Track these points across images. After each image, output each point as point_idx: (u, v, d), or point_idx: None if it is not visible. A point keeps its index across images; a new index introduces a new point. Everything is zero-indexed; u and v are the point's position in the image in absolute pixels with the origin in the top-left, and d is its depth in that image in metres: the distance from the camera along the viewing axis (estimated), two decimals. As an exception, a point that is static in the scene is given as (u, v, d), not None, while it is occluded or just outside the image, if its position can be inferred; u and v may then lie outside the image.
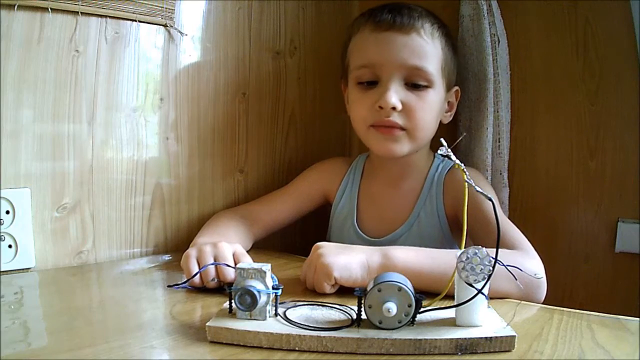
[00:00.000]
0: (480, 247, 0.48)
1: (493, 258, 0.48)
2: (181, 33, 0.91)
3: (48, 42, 0.76)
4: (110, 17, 0.82)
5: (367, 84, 0.84)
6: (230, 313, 0.52)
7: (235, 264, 0.65)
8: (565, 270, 0.97)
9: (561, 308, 0.61)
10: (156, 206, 0.91)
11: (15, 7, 0.72)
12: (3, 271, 0.73)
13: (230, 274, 0.64)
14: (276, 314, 0.52)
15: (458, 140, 0.97)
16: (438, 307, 0.52)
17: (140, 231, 0.89)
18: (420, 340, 0.47)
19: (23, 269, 0.75)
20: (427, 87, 0.82)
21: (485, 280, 0.48)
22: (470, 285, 0.48)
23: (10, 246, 0.74)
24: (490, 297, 0.52)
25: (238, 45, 1.00)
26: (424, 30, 0.81)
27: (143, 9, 0.85)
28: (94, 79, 0.81)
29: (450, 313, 0.51)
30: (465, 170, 0.51)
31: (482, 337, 0.47)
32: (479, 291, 0.48)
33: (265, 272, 0.51)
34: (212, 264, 0.65)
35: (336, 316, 0.53)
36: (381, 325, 0.48)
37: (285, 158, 1.11)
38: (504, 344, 0.47)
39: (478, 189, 0.48)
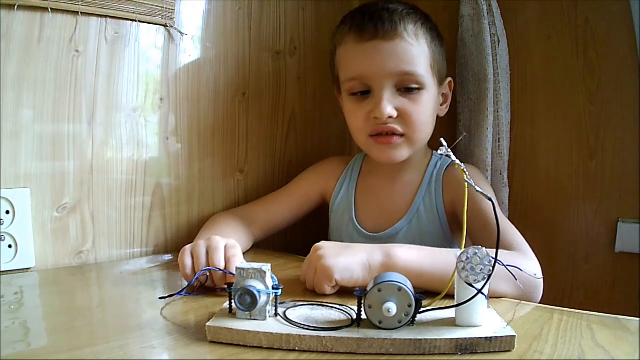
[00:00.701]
0: (480, 247, 0.48)
1: (493, 258, 0.48)
2: (181, 33, 0.91)
3: (48, 42, 0.76)
4: (110, 17, 0.82)
5: (361, 94, 0.84)
6: (230, 313, 0.52)
7: (226, 256, 0.65)
8: (565, 270, 0.97)
9: (561, 308, 0.61)
10: (156, 206, 0.91)
11: (15, 7, 0.72)
12: (3, 271, 0.73)
13: (219, 278, 0.65)
14: (276, 314, 0.52)
15: (458, 140, 0.98)
16: (438, 307, 0.52)
17: (140, 231, 0.89)
18: (420, 340, 0.47)
19: (23, 269, 0.75)
20: (419, 89, 0.82)
21: (485, 280, 0.48)
22: (470, 285, 0.48)
23: (10, 246, 0.74)
24: (489, 297, 0.52)
25: (238, 45, 1.00)
26: (407, 33, 0.80)
27: (143, 9, 0.85)
28: (94, 79, 0.81)
29: (450, 313, 0.51)
30: (465, 170, 0.51)
31: (482, 337, 0.47)
32: (479, 291, 0.48)
33: (265, 272, 0.51)
34: (205, 269, 0.64)
35: (336, 316, 0.53)
36: (381, 325, 0.48)
37: (285, 158, 1.11)
38: (504, 344, 0.47)
39: (478, 189, 0.48)
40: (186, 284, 0.66)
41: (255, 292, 0.49)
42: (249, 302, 0.50)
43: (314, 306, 0.56)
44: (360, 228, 0.91)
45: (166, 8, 0.88)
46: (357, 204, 0.93)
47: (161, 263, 0.85)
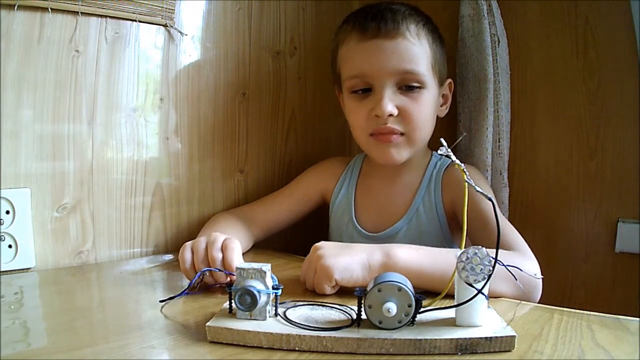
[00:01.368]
0: (480, 247, 0.48)
1: (493, 258, 0.48)
2: (181, 33, 0.91)
3: (48, 42, 0.76)
4: (110, 17, 0.82)
5: (361, 92, 0.84)
6: (230, 313, 0.52)
7: (223, 251, 0.65)
8: (565, 270, 0.97)
9: (561, 308, 0.61)
10: (156, 206, 0.91)
11: (15, 7, 0.72)
12: (3, 271, 0.73)
13: (220, 277, 0.65)
14: (276, 314, 0.52)
15: (458, 140, 0.98)
16: (438, 307, 0.52)
17: (141, 231, 0.89)
18: (420, 340, 0.47)
19: (23, 269, 0.75)
20: (420, 88, 0.82)
21: (485, 280, 0.48)
22: (470, 285, 0.48)
23: (10, 246, 0.74)
24: (489, 297, 0.52)
25: (238, 45, 1.00)
26: (409, 33, 0.81)
27: (143, 9, 0.85)
28: (94, 79, 0.81)
29: (450, 313, 0.51)
30: (465, 170, 0.51)
31: (482, 337, 0.47)
32: (479, 291, 0.48)
33: (265, 272, 0.51)
34: (205, 270, 0.65)
35: (336, 316, 0.53)
36: (381, 325, 0.48)
37: (285, 158, 1.11)
38: (504, 344, 0.47)
39: (478, 189, 0.48)
40: (186, 283, 0.66)
41: (255, 292, 0.49)
42: (249, 302, 0.50)
43: (314, 306, 0.56)
44: (360, 228, 0.91)
45: (166, 8, 0.88)
46: (356, 204, 0.93)
47: (161, 263, 0.85)
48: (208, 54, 0.96)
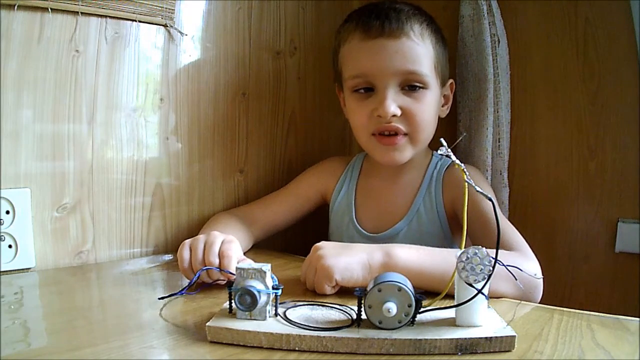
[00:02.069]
0: (480, 247, 0.48)
1: (493, 258, 0.48)
2: (181, 33, 0.91)
3: (48, 42, 0.76)
4: (110, 17, 0.82)
5: (364, 91, 0.84)
6: (230, 313, 0.52)
7: (220, 253, 0.65)
8: (565, 270, 0.97)
9: (561, 308, 0.61)
10: (156, 206, 0.91)
11: (15, 7, 0.72)
12: (3, 271, 0.73)
13: (215, 273, 0.65)
14: (276, 314, 0.52)
15: (458, 140, 0.98)
16: (438, 307, 0.52)
17: (140, 231, 0.89)
18: (420, 340, 0.47)
19: (23, 269, 0.75)
20: (423, 88, 0.82)
21: (485, 280, 0.48)
22: (470, 285, 0.48)
23: (10, 246, 0.74)
24: (489, 297, 0.52)
25: (238, 45, 1.00)
26: (413, 33, 0.80)
27: (143, 9, 0.85)
28: (94, 79, 0.81)
29: (450, 313, 0.51)
30: (465, 170, 0.51)
31: (482, 337, 0.47)
32: (479, 291, 0.48)
33: (265, 272, 0.51)
34: (205, 269, 0.64)
35: (336, 316, 0.53)
36: (381, 325, 0.48)
37: (285, 158, 1.11)
38: (504, 344, 0.47)
39: (478, 189, 0.48)
40: (186, 283, 0.66)
41: (255, 292, 0.49)
42: (249, 302, 0.50)
43: (314, 306, 0.56)
44: (360, 228, 0.91)
45: (166, 8, 0.88)
46: (357, 204, 0.93)
47: (161, 263, 0.85)
48: (208, 54, 0.96)
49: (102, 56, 0.82)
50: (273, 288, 0.52)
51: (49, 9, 0.75)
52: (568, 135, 0.97)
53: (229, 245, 0.66)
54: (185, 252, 0.67)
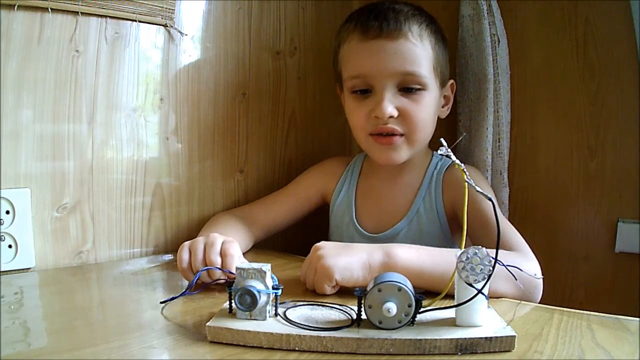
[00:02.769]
0: (480, 247, 0.48)
1: (493, 258, 0.48)
2: (181, 33, 0.91)
3: (48, 42, 0.76)
4: (110, 17, 0.82)
5: (362, 92, 0.84)
6: (230, 313, 0.52)
7: (222, 252, 0.65)
8: (565, 270, 0.97)
9: (561, 308, 0.61)
10: (156, 206, 0.91)
11: (15, 7, 0.72)
12: (3, 271, 0.73)
13: (216, 273, 0.65)
14: (276, 314, 0.52)
15: (458, 140, 0.98)
16: (438, 307, 0.52)
17: (140, 231, 0.89)
18: (420, 340, 0.47)
19: (23, 269, 0.75)
20: (421, 89, 0.82)
21: (485, 280, 0.48)
22: (470, 285, 0.48)
23: (10, 246, 0.74)
24: (489, 297, 0.52)
25: (238, 45, 1.00)
26: (412, 34, 0.80)
27: (143, 9, 0.85)
28: (94, 79, 0.81)
29: (450, 313, 0.51)
30: (465, 170, 0.51)
31: (482, 337, 0.47)
32: (479, 291, 0.48)
33: (265, 272, 0.51)
34: (204, 269, 0.65)
35: (336, 316, 0.53)
36: (381, 325, 0.48)
37: (285, 158, 1.11)
38: (504, 344, 0.47)
39: (478, 189, 0.48)
40: (186, 283, 0.66)
41: (255, 292, 0.49)
42: (249, 302, 0.50)
43: (314, 306, 0.56)
44: (360, 229, 0.91)
45: (166, 8, 0.88)
46: (357, 205, 0.93)
47: (161, 263, 0.85)
48: (208, 54, 0.96)
49: (102, 56, 0.82)
50: (273, 288, 0.52)
51: (49, 9, 0.75)
52: (568, 135, 0.97)
53: (230, 244, 0.67)
54: (184, 254, 0.67)
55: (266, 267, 0.52)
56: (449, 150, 0.51)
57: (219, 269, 0.64)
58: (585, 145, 0.95)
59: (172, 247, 0.93)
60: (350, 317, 0.52)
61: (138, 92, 0.87)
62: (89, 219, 0.83)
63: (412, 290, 0.49)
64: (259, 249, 0.92)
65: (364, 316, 0.49)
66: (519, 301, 0.63)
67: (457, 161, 0.51)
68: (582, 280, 0.96)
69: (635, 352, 0.48)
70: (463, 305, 0.49)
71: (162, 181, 0.92)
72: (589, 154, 0.95)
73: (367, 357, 0.46)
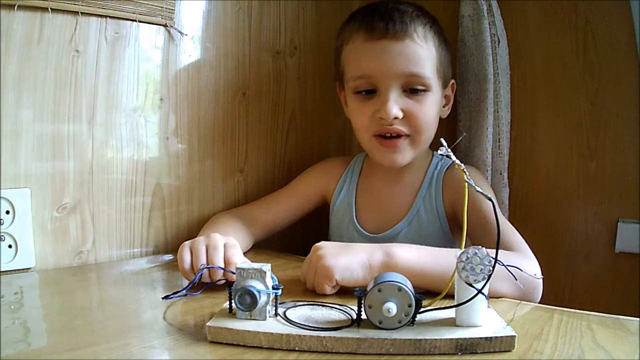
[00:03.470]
0: (480, 247, 0.48)
1: (493, 258, 0.48)
2: (181, 33, 0.91)
3: (48, 42, 0.76)
4: (110, 17, 0.82)
5: (366, 93, 0.83)
6: (230, 313, 0.52)
7: (226, 256, 0.65)
8: (565, 270, 0.97)
9: (561, 308, 0.61)
10: (156, 206, 0.91)
11: (15, 7, 0.72)
12: (3, 271, 0.73)
13: (218, 274, 0.65)
14: (276, 314, 0.52)
15: (458, 140, 0.98)
16: (438, 307, 0.52)
17: (141, 231, 0.89)
18: (420, 340, 0.47)
19: (23, 269, 0.75)
20: (425, 90, 0.82)
21: (485, 281, 0.48)
22: (470, 285, 0.48)
23: (10, 246, 0.74)
24: (489, 297, 0.52)
25: (238, 45, 1.00)
26: (417, 35, 0.80)
27: (143, 9, 0.85)
28: (94, 79, 0.81)
29: (450, 313, 0.51)
30: (465, 170, 0.51)
31: (482, 337, 0.47)
32: (479, 291, 0.48)
33: (265, 272, 0.51)
34: (206, 268, 0.65)
35: (336, 316, 0.53)
36: (381, 325, 0.48)
37: (285, 158, 1.11)
38: (504, 344, 0.47)
39: (478, 189, 0.48)
40: (186, 282, 0.66)
41: (255, 292, 0.49)
42: (249, 302, 0.50)
43: (314, 306, 0.56)
44: (360, 229, 0.91)
45: (166, 8, 0.88)
46: (357, 205, 0.93)
47: (161, 263, 0.85)
48: (208, 54, 0.96)
49: (102, 56, 0.82)
50: (273, 288, 0.52)
51: (49, 9, 0.75)
52: (568, 135, 0.97)
53: (233, 250, 0.66)
54: (185, 254, 0.67)
55: (266, 267, 0.52)
56: (449, 150, 0.51)
57: (222, 268, 0.64)
58: (585, 145, 0.95)
59: (172, 247, 0.93)
60: (350, 317, 0.52)
61: (138, 92, 0.87)
62: (89, 219, 0.83)
63: (412, 290, 0.49)
64: (259, 249, 0.92)
65: (364, 316, 0.49)
66: (518, 301, 0.63)
67: (457, 161, 0.51)
68: (582, 280, 0.96)
69: (635, 352, 0.48)
70: (463, 305, 0.49)
71: (162, 181, 0.91)
72: (589, 154, 0.95)
73: (367, 357, 0.46)
